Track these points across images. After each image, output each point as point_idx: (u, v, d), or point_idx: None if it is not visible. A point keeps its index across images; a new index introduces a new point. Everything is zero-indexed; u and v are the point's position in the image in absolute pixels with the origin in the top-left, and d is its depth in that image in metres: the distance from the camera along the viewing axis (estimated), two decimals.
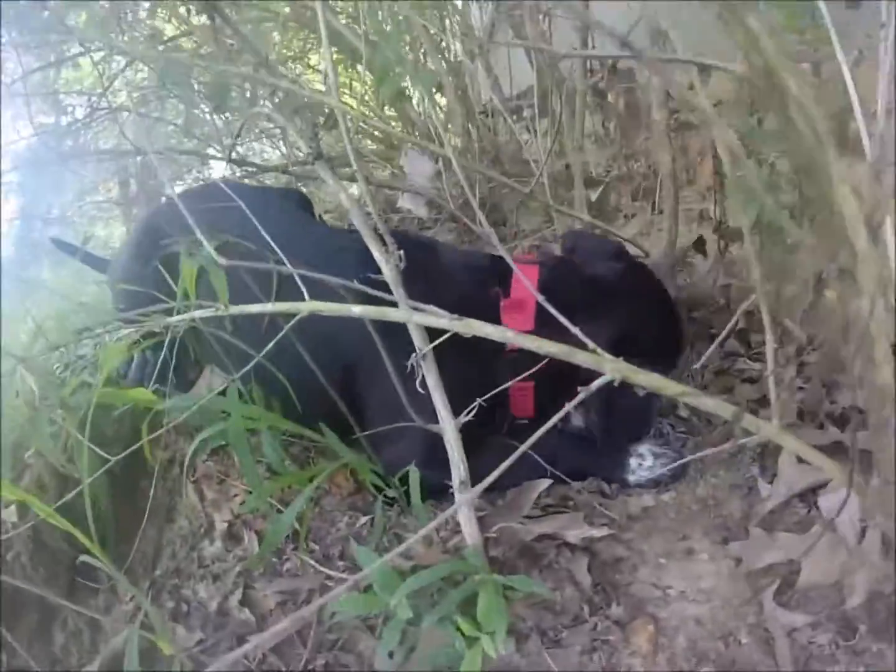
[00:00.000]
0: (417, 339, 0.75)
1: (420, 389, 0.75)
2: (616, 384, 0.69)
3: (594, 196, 1.25)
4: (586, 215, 1.12)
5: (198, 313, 0.69)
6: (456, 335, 0.75)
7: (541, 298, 0.52)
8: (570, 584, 0.81)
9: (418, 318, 0.50)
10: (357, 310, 0.53)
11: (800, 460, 0.88)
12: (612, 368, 0.44)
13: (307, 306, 0.53)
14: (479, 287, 1.02)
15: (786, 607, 0.74)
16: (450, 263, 1.07)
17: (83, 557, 0.67)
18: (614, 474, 0.99)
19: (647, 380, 0.45)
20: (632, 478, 0.98)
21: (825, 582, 0.75)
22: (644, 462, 0.98)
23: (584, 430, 1.00)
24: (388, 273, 0.80)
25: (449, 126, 2.04)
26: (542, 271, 1.03)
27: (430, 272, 0.98)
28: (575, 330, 0.47)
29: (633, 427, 1.03)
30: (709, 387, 1.13)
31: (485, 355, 0.95)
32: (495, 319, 0.98)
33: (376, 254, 0.82)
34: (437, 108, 2.12)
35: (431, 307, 0.50)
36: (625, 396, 0.98)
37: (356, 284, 0.53)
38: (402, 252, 0.80)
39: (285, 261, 0.68)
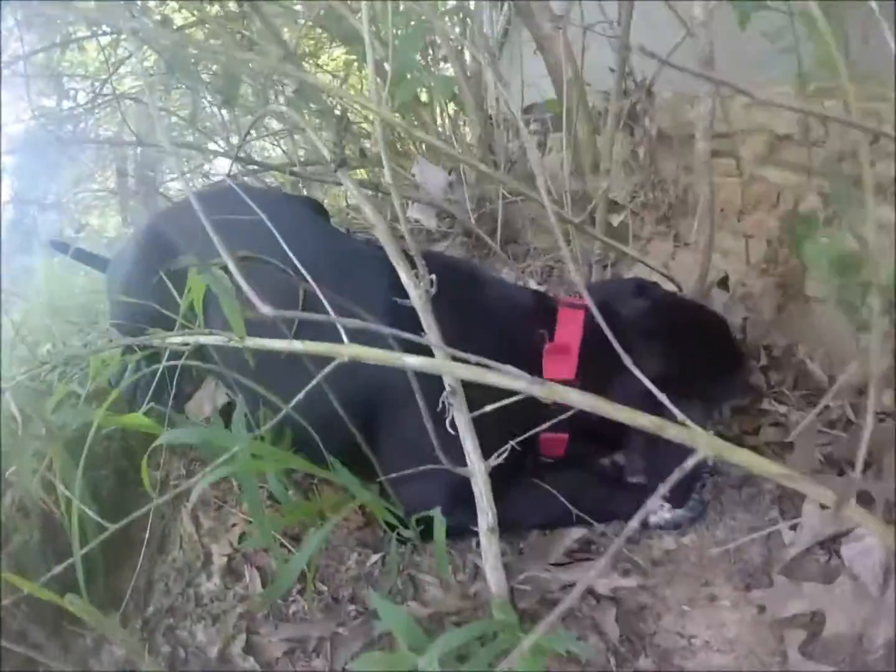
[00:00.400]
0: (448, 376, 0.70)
1: (448, 428, 0.70)
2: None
3: (616, 221, 1.21)
4: (631, 250, 1.08)
5: (206, 340, 0.63)
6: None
7: (609, 334, 0.46)
8: (594, 634, 0.78)
9: (493, 377, 0.44)
10: (412, 361, 0.47)
11: (823, 507, 0.86)
12: (705, 445, 0.39)
13: (349, 350, 0.47)
14: (522, 327, 0.97)
15: (810, 657, 0.72)
16: (491, 296, 1.02)
17: (69, 598, 0.61)
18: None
19: (741, 458, 0.41)
20: (653, 520, 0.94)
21: (849, 633, 0.73)
22: (666, 504, 0.94)
23: (609, 470, 0.97)
24: (417, 300, 0.74)
25: (464, 134, 2.00)
26: (588, 314, 0.99)
27: (467, 303, 0.94)
28: (654, 389, 0.41)
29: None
30: (732, 425, 1.09)
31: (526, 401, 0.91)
32: (537, 363, 0.94)
33: (404, 277, 0.77)
34: (449, 118, 2.08)
35: (508, 367, 0.44)
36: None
37: (414, 335, 0.47)
38: (433, 277, 0.75)
39: (313, 284, 0.63)
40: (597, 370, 0.86)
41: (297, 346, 0.52)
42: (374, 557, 0.89)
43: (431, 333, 0.69)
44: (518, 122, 1.67)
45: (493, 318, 0.97)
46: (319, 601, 0.85)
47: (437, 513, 0.77)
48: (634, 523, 0.38)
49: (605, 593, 0.81)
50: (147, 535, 0.91)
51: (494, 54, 1.97)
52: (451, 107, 2.05)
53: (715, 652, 0.76)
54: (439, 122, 2.02)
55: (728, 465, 1.07)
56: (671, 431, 0.40)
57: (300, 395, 0.51)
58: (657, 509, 0.94)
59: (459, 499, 0.76)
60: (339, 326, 0.50)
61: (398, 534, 0.87)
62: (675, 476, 0.37)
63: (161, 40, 1.67)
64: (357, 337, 0.56)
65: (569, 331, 0.96)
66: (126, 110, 2.06)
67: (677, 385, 0.91)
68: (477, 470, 0.67)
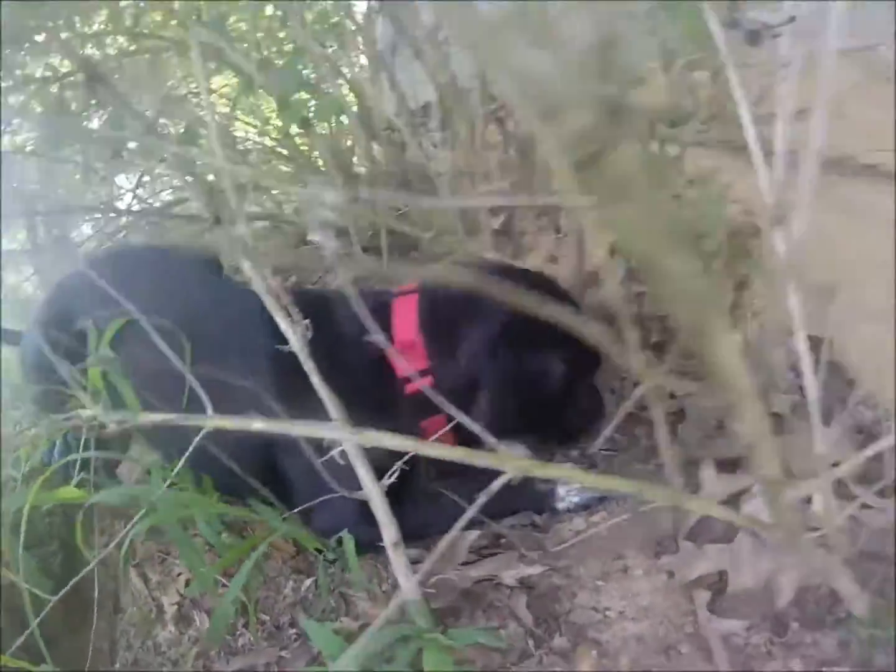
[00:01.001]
0: (334, 410, 0.76)
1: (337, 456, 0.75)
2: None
3: (496, 223, 1.27)
4: (492, 254, 1.13)
5: (104, 418, 0.68)
6: (346, 382, 0.76)
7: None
8: (513, 620, 0.82)
9: (325, 432, 0.51)
10: (258, 425, 0.54)
11: (719, 470, 0.90)
12: (513, 467, 0.46)
13: (211, 422, 0.53)
14: (364, 341, 0.99)
15: (719, 614, 0.76)
16: (332, 322, 1.02)
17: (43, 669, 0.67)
18: (543, 505, 0.99)
19: (551, 472, 0.48)
20: (561, 505, 0.98)
21: (755, 586, 0.77)
22: (572, 488, 0.98)
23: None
24: (296, 345, 0.80)
25: (354, 149, 2.03)
26: (421, 297, 1.03)
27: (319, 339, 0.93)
28: (454, 411, 0.47)
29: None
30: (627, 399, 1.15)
31: (384, 401, 0.97)
32: (388, 369, 0.99)
33: (282, 325, 0.82)
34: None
35: (329, 423, 0.51)
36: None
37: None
38: (308, 321, 0.81)
39: (179, 362, 0.68)
40: (443, 347, 0.95)
41: (172, 417, 0.58)
42: (308, 582, 0.95)
43: (313, 376, 0.75)
44: (406, 128, 1.71)
45: (337, 346, 0.98)
46: (263, 630, 0.91)
47: (346, 536, 0.84)
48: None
49: (513, 584, 0.86)
50: (97, 596, 0.95)
51: (387, 60, 1.99)
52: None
53: (629, 621, 0.79)
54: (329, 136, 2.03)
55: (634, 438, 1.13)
56: (479, 461, 0.46)
57: (184, 458, 0.57)
58: (565, 495, 0.97)
59: (364, 517, 0.80)
60: (203, 396, 0.56)
61: (324, 557, 0.94)
62: (484, 499, 0.44)
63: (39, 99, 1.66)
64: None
65: (406, 323, 1.00)
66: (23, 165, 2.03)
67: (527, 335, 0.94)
68: (372, 492, 0.74)
